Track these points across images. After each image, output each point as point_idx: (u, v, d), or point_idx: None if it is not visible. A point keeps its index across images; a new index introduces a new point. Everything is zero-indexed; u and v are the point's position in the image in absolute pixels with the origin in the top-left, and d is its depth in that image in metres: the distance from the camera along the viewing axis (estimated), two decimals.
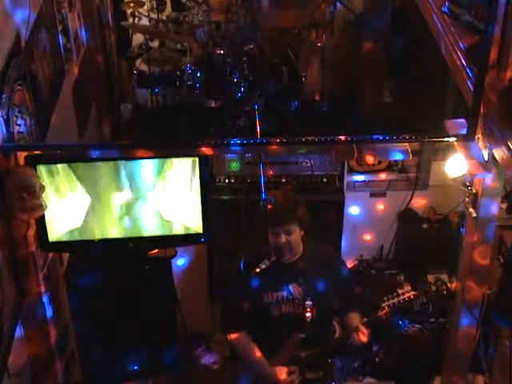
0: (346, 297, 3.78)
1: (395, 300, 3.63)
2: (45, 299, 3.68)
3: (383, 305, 3.62)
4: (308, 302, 3.65)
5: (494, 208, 3.51)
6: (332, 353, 3.88)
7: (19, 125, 3.38)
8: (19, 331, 3.52)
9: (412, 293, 3.63)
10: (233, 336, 3.75)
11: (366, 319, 3.64)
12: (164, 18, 6.68)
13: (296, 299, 3.68)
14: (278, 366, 3.71)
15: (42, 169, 3.48)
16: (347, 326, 3.75)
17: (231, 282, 3.83)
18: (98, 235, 3.76)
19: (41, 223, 3.58)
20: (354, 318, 3.72)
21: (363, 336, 3.57)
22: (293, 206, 3.57)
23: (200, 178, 3.65)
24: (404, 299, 3.64)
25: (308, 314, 3.66)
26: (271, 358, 3.72)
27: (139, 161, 3.60)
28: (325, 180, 4.87)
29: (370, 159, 4.60)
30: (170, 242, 3.94)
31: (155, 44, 6.46)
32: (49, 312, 3.74)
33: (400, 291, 3.70)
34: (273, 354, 3.73)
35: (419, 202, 5.22)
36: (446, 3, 3.75)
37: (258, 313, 3.70)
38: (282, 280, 3.67)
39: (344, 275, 3.86)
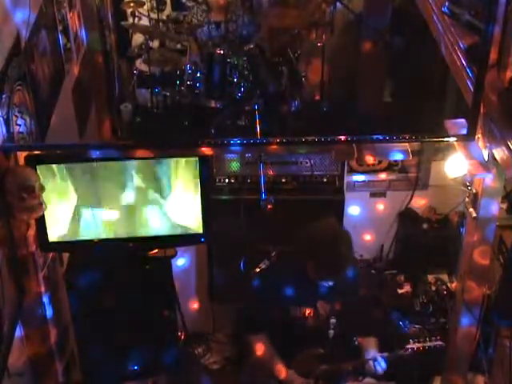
0: (367, 318, 3.80)
1: (421, 345, 3.63)
2: (45, 299, 3.68)
3: (408, 346, 3.62)
4: (332, 320, 3.68)
5: (494, 208, 3.50)
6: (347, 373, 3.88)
7: (19, 125, 3.38)
8: (19, 331, 3.52)
9: (439, 343, 3.64)
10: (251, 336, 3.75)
11: (387, 354, 3.65)
12: (164, 17, 6.69)
13: (321, 316, 3.70)
14: (292, 375, 3.72)
15: (41, 169, 3.48)
16: (364, 350, 3.76)
17: (250, 286, 3.84)
18: (97, 235, 3.76)
19: (41, 223, 3.57)
20: (371, 343, 3.73)
21: (379, 368, 3.58)
22: (349, 255, 3.58)
23: (200, 178, 3.65)
24: (429, 346, 3.64)
25: (331, 331, 3.68)
26: (287, 366, 3.74)
27: (140, 161, 3.60)
28: (325, 180, 4.87)
29: (369, 159, 4.61)
30: (170, 242, 3.93)
31: (155, 44, 6.46)
32: (49, 312, 3.74)
33: (427, 337, 3.70)
34: (289, 363, 3.74)
35: (419, 202, 5.22)
36: (446, 3, 3.75)
37: (283, 323, 3.71)
38: (310, 295, 3.69)
39: (368, 296, 3.90)
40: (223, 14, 6.02)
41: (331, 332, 3.70)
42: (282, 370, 3.72)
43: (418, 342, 3.65)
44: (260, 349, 3.77)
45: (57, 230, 3.67)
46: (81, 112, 4.81)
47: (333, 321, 3.69)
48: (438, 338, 3.68)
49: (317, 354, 3.72)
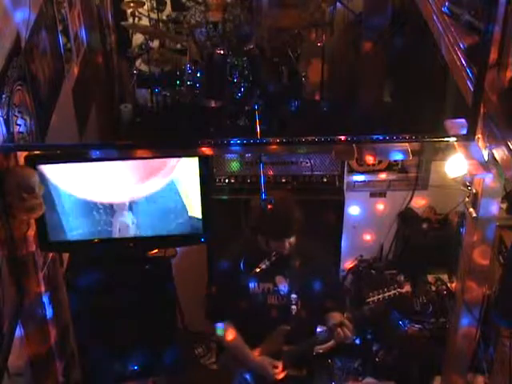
0: (333, 298, 3.81)
1: (380, 296, 3.65)
2: (45, 299, 3.68)
3: (368, 300, 3.65)
4: (293, 295, 3.68)
5: (494, 208, 3.50)
6: (313, 351, 3.89)
7: (19, 125, 3.38)
8: (19, 331, 3.52)
9: (398, 290, 3.65)
10: (228, 338, 3.77)
11: (349, 315, 3.66)
12: (164, 17, 6.70)
13: (281, 291, 3.70)
14: (260, 356, 3.74)
15: (42, 169, 3.48)
16: (329, 323, 3.76)
17: (221, 276, 3.88)
18: (97, 235, 3.76)
19: (41, 223, 3.57)
20: (336, 316, 3.74)
21: (347, 331, 3.58)
22: (295, 217, 3.58)
23: (200, 178, 3.65)
24: (389, 295, 3.66)
25: (293, 307, 3.69)
26: (254, 349, 3.74)
27: (139, 161, 3.60)
28: (325, 180, 4.87)
29: (369, 159, 4.60)
30: (170, 242, 3.94)
31: (155, 44, 6.46)
32: (49, 312, 3.74)
33: (384, 287, 3.73)
34: (256, 345, 3.75)
35: (419, 202, 5.22)
36: (446, 3, 3.75)
37: (244, 302, 3.73)
38: (268, 271, 3.69)
39: (328, 271, 3.90)
40: (222, 15, 6.02)
41: (293, 308, 3.71)
42: (250, 355, 3.75)
43: (378, 294, 3.66)
44: (228, 336, 3.79)
45: (56, 230, 3.68)
46: (81, 112, 4.81)
47: (294, 296, 3.70)
48: (396, 286, 3.69)
49: (284, 331, 3.73)
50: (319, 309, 3.84)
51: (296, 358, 3.78)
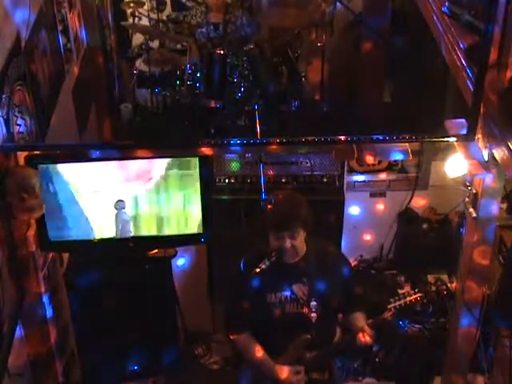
0: (349, 295, 3.77)
1: (401, 302, 3.60)
2: (45, 299, 3.68)
3: (389, 306, 3.60)
4: (313, 303, 3.64)
5: (494, 208, 3.51)
6: (336, 354, 3.86)
7: (19, 125, 3.38)
8: (19, 331, 3.52)
9: (418, 295, 3.60)
10: (234, 336, 3.75)
11: (371, 320, 3.63)
12: (164, 18, 6.70)
13: (300, 299, 3.66)
14: (281, 365, 3.71)
15: (42, 169, 3.48)
16: (352, 326, 3.72)
17: (233, 283, 3.83)
18: (97, 235, 3.76)
19: (41, 223, 3.58)
20: (360, 318, 3.69)
21: (368, 337, 3.56)
22: (298, 210, 3.52)
23: (200, 178, 3.65)
24: (410, 301, 3.61)
25: (313, 315, 3.65)
26: (276, 359, 3.71)
27: (139, 161, 3.60)
28: (325, 180, 4.87)
29: (369, 159, 4.61)
30: (170, 242, 3.94)
31: (155, 44, 6.46)
32: (49, 312, 3.75)
33: (405, 292, 3.68)
34: (278, 355, 3.72)
35: (419, 202, 5.22)
36: (446, 3, 3.75)
37: (262, 314, 3.69)
38: (284, 280, 3.65)
39: (347, 273, 3.83)
40: (222, 15, 6.02)
41: (313, 316, 3.67)
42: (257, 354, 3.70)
43: (399, 300, 3.63)
44: (246, 346, 3.75)
45: (56, 229, 3.68)
46: (81, 112, 4.81)
47: (314, 303, 3.68)
48: (417, 290, 3.66)
49: (304, 341, 3.70)
50: (338, 312, 3.81)
51: (318, 364, 3.76)
